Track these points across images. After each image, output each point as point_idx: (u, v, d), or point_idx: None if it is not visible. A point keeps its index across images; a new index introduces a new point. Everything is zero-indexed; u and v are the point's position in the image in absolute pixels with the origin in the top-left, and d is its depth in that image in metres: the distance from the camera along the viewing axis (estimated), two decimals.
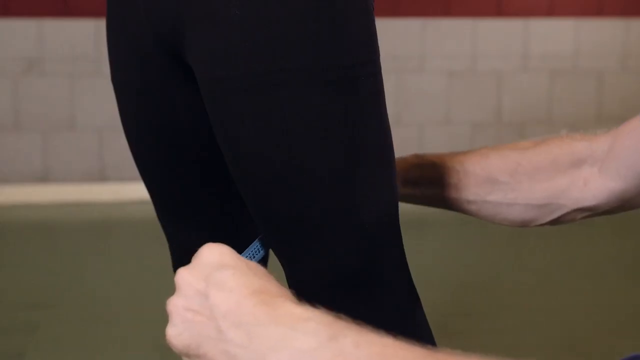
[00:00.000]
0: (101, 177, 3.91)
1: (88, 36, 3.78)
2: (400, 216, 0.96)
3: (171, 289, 0.59)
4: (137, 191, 3.62)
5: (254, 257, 0.93)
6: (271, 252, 1.00)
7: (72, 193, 3.86)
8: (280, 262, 0.97)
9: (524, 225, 0.96)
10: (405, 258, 0.97)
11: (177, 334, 0.58)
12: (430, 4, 4.07)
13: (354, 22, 0.87)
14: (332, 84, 0.86)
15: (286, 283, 0.98)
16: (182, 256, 1.22)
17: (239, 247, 1.21)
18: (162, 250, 1.42)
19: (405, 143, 3.33)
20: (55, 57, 3.80)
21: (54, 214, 3.71)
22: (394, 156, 0.93)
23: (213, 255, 0.58)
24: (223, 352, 0.56)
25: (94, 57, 3.79)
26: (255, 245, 0.94)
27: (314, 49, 0.85)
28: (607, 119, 4.23)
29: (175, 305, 0.59)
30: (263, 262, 1.28)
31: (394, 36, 4.00)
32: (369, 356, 0.50)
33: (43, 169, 3.89)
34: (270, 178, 0.89)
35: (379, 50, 0.92)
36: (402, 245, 0.96)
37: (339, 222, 0.89)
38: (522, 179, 0.92)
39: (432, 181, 0.92)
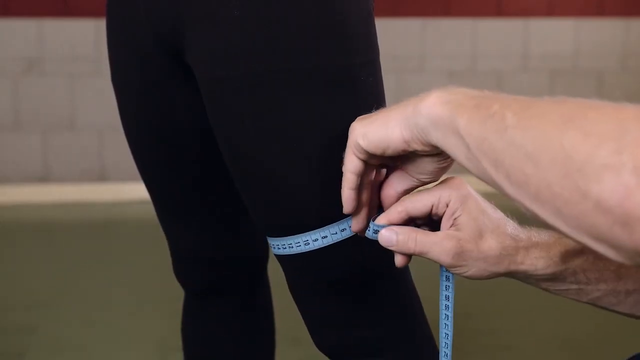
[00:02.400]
0: (101, 177, 3.91)
1: (88, 36, 3.78)
2: None
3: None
4: (137, 191, 3.62)
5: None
6: (271, 252, 1.00)
7: (72, 193, 3.86)
8: (279, 262, 0.96)
9: None
10: None
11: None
12: (430, 4, 4.07)
13: (354, 22, 0.87)
14: (332, 84, 0.85)
15: (286, 283, 0.98)
16: (182, 256, 1.22)
17: (239, 247, 1.21)
18: (162, 250, 1.42)
19: None
20: (55, 57, 3.80)
21: (54, 214, 3.71)
22: None
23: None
24: (400, 108, 0.71)
25: (94, 57, 3.79)
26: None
27: (314, 49, 0.85)
28: None
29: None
30: (266, 258, 1.28)
31: (394, 36, 4.00)
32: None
33: (43, 169, 3.88)
34: (270, 178, 0.89)
35: (378, 50, 0.92)
36: None
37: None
38: None
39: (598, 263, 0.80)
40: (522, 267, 0.78)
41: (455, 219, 0.78)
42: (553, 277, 0.79)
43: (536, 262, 0.78)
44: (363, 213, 0.81)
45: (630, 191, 0.49)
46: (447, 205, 0.78)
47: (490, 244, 0.77)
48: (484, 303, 2.55)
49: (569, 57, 4.22)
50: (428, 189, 0.79)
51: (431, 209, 0.78)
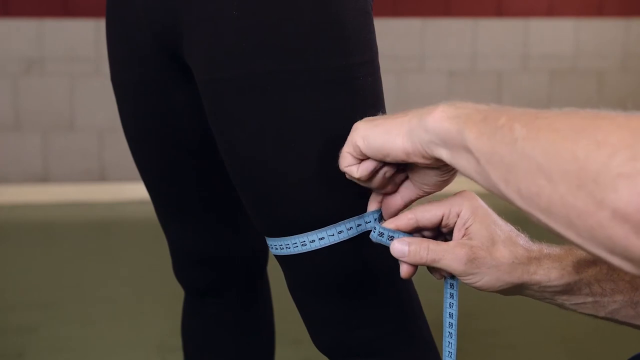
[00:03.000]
0: (101, 177, 3.91)
1: (88, 36, 3.78)
2: None
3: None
4: (137, 191, 3.62)
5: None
6: (271, 252, 1.00)
7: (72, 193, 3.86)
8: (279, 263, 0.96)
9: None
10: None
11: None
12: (430, 4, 4.07)
13: (353, 23, 0.87)
14: (331, 84, 0.85)
15: (285, 283, 0.98)
16: (182, 256, 1.22)
17: (239, 247, 1.21)
18: (162, 250, 1.42)
19: None
20: (55, 57, 3.80)
21: (54, 214, 3.71)
22: None
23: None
24: (405, 118, 0.71)
25: (94, 57, 3.79)
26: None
27: (313, 50, 0.85)
28: None
29: None
30: (266, 258, 1.28)
31: (394, 36, 4.00)
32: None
33: (43, 169, 3.88)
34: (268, 179, 0.89)
35: (377, 50, 0.91)
36: None
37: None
38: None
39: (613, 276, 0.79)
40: (536, 278, 0.77)
41: (467, 228, 0.78)
42: (568, 289, 0.78)
43: (549, 272, 0.77)
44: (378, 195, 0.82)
45: None
46: (458, 216, 0.78)
47: (503, 252, 0.77)
48: (486, 303, 2.54)
49: (569, 57, 4.22)
50: (439, 200, 0.80)
51: (441, 220, 0.78)
